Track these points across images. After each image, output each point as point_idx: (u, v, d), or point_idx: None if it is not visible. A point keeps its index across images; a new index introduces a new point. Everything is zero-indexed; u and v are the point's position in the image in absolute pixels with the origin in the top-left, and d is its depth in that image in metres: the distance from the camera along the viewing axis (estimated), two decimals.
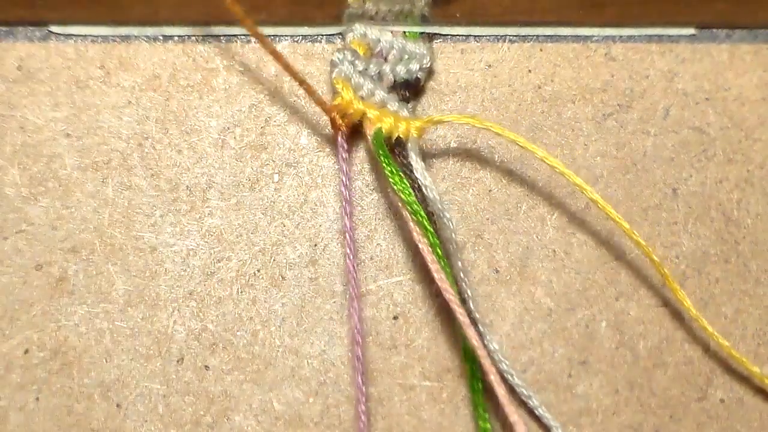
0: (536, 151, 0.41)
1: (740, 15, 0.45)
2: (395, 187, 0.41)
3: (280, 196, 0.44)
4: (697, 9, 0.44)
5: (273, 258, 0.43)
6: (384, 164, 0.41)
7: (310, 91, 0.42)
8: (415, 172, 0.42)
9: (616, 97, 0.45)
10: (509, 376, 0.42)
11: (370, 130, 0.42)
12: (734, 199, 0.45)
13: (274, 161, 0.44)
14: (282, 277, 0.43)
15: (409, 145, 0.42)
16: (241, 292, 0.43)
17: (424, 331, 0.43)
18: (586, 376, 0.44)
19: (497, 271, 0.44)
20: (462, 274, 0.41)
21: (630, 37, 0.45)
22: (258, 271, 0.43)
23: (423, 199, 0.41)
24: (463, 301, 0.41)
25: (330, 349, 0.43)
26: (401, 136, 0.42)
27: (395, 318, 0.43)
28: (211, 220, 0.43)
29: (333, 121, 0.42)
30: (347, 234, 0.41)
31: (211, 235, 0.43)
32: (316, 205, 0.44)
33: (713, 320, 0.44)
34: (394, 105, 0.43)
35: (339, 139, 0.42)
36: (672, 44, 0.45)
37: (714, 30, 0.46)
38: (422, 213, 0.40)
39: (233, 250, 0.43)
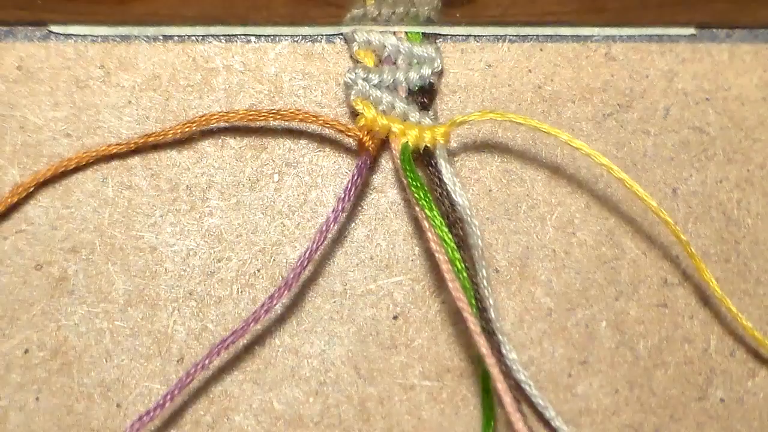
0: (560, 134, 0.41)
1: (740, 15, 0.45)
2: (420, 203, 0.40)
3: (280, 196, 0.44)
4: (697, 9, 0.44)
5: (273, 258, 0.43)
6: (410, 179, 0.41)
7: (334, 123, 0.42)
8: (444, 179, 0.41)
9: (616, 97, 0.45)
10: (527, 387, 0.41)
11: (396, 146, 0.42)
12: (734, 199, 0.45)
13: (274, 161, 0.44)
14: (282, 277, 0.43)
15: (437, 152, 0.42)
16: (241, 292, 0.43)
17: (424, 331, 0.43)
18: (586, 375, 0.44)
19: (497, 271, 0.44)
20: (485, 282, 0.41)
21: (630, 37, 0.45)
22: (258, 271, 0.43)
23: (451, 205, 0.41)
24: (484, 310, 0.40)
25: (330, 349, 0.43)
26: (428, 145, 0.42)
27: (395, 318, 0.43)
28: (211, 220, 0.43)
29: (361, 142, 0.42)
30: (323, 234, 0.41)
31: (211, 235, 0.43)
32: (316, 205, 0.44)
33: (714, 320, 0.44)
34: (415, 115, 0.42)
35: (363, 158, 0.42)
36: (672, 44, 0.45)
37: (714, 30, 0.46)
38: (445, 229, 0.40)
39: (233, 250, 0.43)
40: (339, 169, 0.44)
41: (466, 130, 0.44)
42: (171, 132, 0.42)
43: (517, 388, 0.41)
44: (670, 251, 0.44)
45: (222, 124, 0.43)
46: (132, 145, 0.42)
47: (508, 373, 0.41)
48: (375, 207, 0.44)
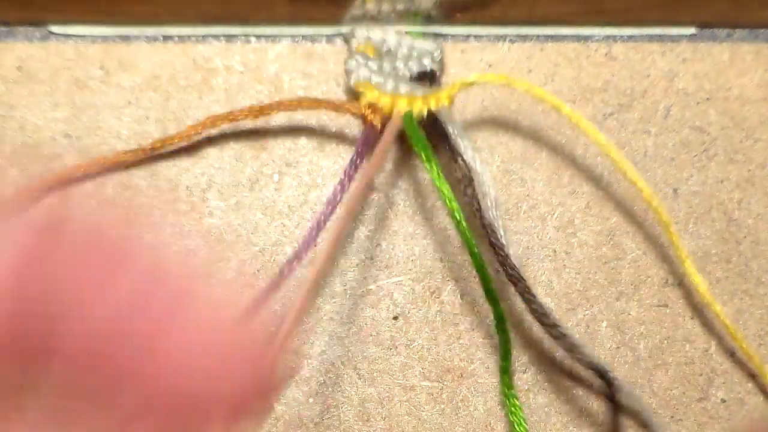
0: (562, 107, 0.41)
1: (741, 14, 0.45)
2: (425, 165, 0.40)
3: (280, 196, 0.44)
4: (697, 8, 0.44)
5: (273, 258, 0.43)
6: (410, 133, 0.40)
7: (337, 103, 0.42)
8: (449, 135, 0.41)
9: (616, 97, 0.45)
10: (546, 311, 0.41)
11: (398, 116, 0.42)
12: (735, 199, 0.45)
13: (274, 161, 0.44)
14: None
15: (442, 113, 0.42)
16: (241, 292, 0.43)
17: (424, 332, 0.43)
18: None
19: (498, 271, 0.44)
20: (503, 230, 0.40)
21: (631, 37, 0.45)
22: (258, 271, 0.43)
23: (464, 162, 0.41)
24: (503, 253, 0.40)
25: (330, 349, 0.43)
26: (432, 109, 0.42)
27: (395, 318, 0.43)
28: (210, 220, 0.43)
29: (364, 117, 0.42)
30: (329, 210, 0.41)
31: (211, 236, 0.43)
32: (316, 205, 0.44)
33: (714, 320, 0.44)
34: (419, 92, 0.42)
35: (368, 126, 0.42)
36: (673, 44, 0.45)
37: (715, 29, 0.46)
38: (443, 180, 0.40)
39: (233, 250, 0.43)
40: (339, 169, 0.44)
41: (467, 131, 0.44)
42: (177, 137, 0.42)
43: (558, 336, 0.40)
44: (670, 251, 0.44)
45: (227, 123, 0.43)
46: (141, 153, 0.42)
47: (544, 323, 0.40)
48: (375, 207, 0.44)
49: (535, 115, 0.45)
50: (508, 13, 0.44)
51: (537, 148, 0.44)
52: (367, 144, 0.41)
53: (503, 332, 0.41)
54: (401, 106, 0.42)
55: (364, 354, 0.43)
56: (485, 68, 0.45)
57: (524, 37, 0.45)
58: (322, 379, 0.43)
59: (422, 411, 0.43)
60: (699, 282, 0.43)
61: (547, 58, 0.45)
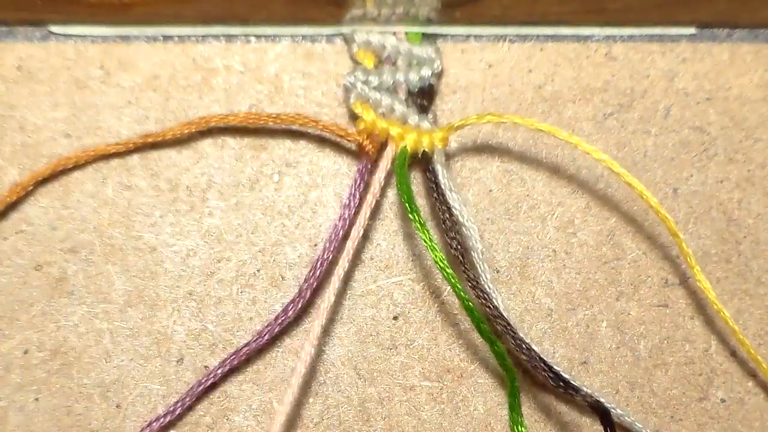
0: (558, 133, 0.41)
1: (741, 14, 0.45)
2: (410, 215, 0.40)
3: (280, 196, 0.44)
4: (697, 8, 0.44)
5: (273, 258, 0.43)
6: (401, 188, 0.41)
7: (333, 128, 0.42)
8: (440, 183, 0.42)
9: (616, 97, 0.45)
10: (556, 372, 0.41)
11: (394, 150, 0.42)
12: (735, 199, 0.45)
13: (274, 161, 0.44)
14: (282, 277, 0.43)
15: (435, 157, 0.42)
16: (241, 292, 0.43)
17: (424, 331, 0.43)
18: (586, 376, 0.43)
19: (497, 271, 0.44)
20: (490, 284, 0.41)
21: (631, 37, 0.45)
22: (258, 271, 0.43)
23: (448, 209, 0.41)
24: (495, 308, 0.40)
25: (330, 349, 0.43)
26: (426, 150, 0.42)
27: (395, 318, 0.43)
28: (210, 220, 0.43)
29: (361, 146, 0.42)
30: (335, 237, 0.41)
31: (211, 235, 0.43)
32: (316, 205, 0.44)
33: (714, 320, 0.44)
34: (414, 118, 0.42)
35: (364, 162, 0.42)
36: (673, 44, 0.45)
37: (715, 29, 0.46)
38: (433, 240, 0.40)
39: (233, 250, 0.43)
40: (339, 169, 0.44)
41: (467, 130, 0.44)
42: (170, 132, 0.42)
43: (552, 378, 0.40)
44: (670, 251, 0.44)
45: (221, 125, 0.43)
46: (131, 145, 0.42)
47: (537, 366, 0.40)
48: (375, 207, 0.44)
49: (536, 115, 0.45)
50: (508, 13, 0.43)
51: (537, 148, 0.44)
52: (362, 178, 0.42)
53: (507, 369, 0.41)
54: (395, 135, 0.42)
55: (364, 354, 0.43)
56: (485, 68, 0.45)
57: (524, 37, 0.45)
58: (322, 379, 0.43)
59: (422, 411, 0.43)
60: (709, 288, 0.42)
61: (547, 58, 0.45)
